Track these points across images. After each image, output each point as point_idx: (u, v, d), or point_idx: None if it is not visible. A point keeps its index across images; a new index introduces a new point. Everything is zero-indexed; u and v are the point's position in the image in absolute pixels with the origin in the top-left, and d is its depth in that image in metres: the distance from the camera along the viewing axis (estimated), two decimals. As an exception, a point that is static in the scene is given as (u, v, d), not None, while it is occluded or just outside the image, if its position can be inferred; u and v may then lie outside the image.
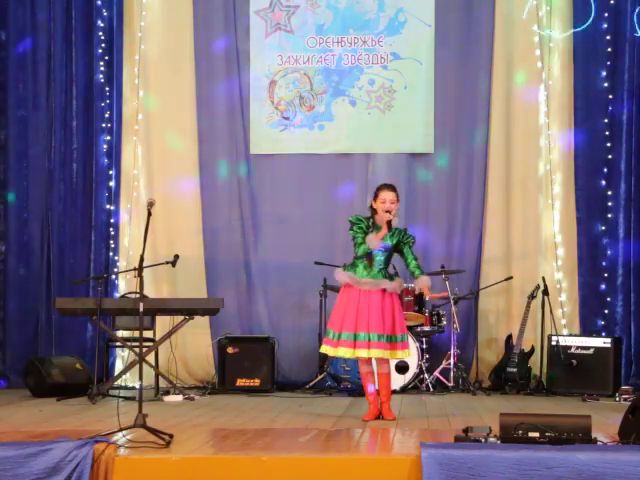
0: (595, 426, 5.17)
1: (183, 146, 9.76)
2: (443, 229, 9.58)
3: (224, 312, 8.71)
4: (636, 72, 9.28)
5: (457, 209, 9.61)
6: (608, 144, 9.36)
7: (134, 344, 8.08)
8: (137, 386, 6.10)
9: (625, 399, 8.03)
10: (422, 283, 6.78)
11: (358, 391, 8.17)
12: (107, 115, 9.70)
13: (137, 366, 6.01)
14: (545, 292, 8.92)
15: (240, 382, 8.86)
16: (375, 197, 6.78)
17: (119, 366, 9.40)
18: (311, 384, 8.87)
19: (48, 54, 9.68)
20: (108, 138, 9.71)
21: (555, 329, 8.85)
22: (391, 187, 6.82)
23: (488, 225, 9.55)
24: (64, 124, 9.70)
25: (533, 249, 9.49)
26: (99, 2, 9.72)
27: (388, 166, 9.59)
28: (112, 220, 9.63)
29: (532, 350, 9.01)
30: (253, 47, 9.76)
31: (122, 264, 9.54)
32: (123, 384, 9.16)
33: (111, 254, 9.61)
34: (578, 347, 8.82)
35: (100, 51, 9.71)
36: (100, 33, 9.71)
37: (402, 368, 8.64)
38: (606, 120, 9.39)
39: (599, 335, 9.04)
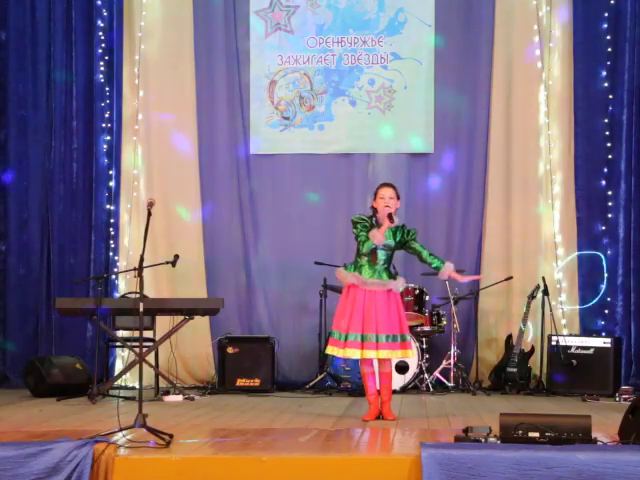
0: (595, 426, 5.17)
1: (183, 146, 9.76)
2: (443, 229, 9.58)
3: (224, 312, 8.71)
4: (636, 72, 9.28)
5: (457, 209, 9.61)
6: (608, 144, 9.36)
7: (134, 344, 8.08)
8: (137, 386, 6.10)
9: (625, 399, 8.03)
10: (449, 270, 6.82)
11: (358, 391, 8.18)
12: (107, 115, 9.70)
13: (137, 366, 6.01)
14: (545, 292, 8.92)
15: (240, 382, 8.86)
16: (375, 196, 6.82)
17: (119, 366, 9.40)
18: (311, 384, 8.87)
19: (48, 54, 9.68)
20: (108, 138, 9.71)
21: (555, 329, 8.85)
22: (389, 185, 6.87)
23: (488, 225, 9.55)
24: (64, 124, 9.70)
25: (533, 249, 9.49)
26: (99, 2, 9.72)
27: (388, 166, 9.60)
28: (112, 220, 9.63)
29: (532, 350, 9.01)
30: (253, 47, 9.76)
31: (122, 264, 9.54)
32: (123, 384, 9.16)
33: (111, 254, 9.61)
34: (578, 347, 8.82)
35: (100, 51, 9.71)
36: (100, 33, 9.71)
37: (402, 368, 8.64)
38: (606, 120, 9.38)
39: (599, 335, 9.04)
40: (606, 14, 9.38)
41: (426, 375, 8.79)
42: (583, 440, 4.96)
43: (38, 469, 4.79)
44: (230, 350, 8.94)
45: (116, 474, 4.80)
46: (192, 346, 9.50)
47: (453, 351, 8.87)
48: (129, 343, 8.41)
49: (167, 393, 8.33)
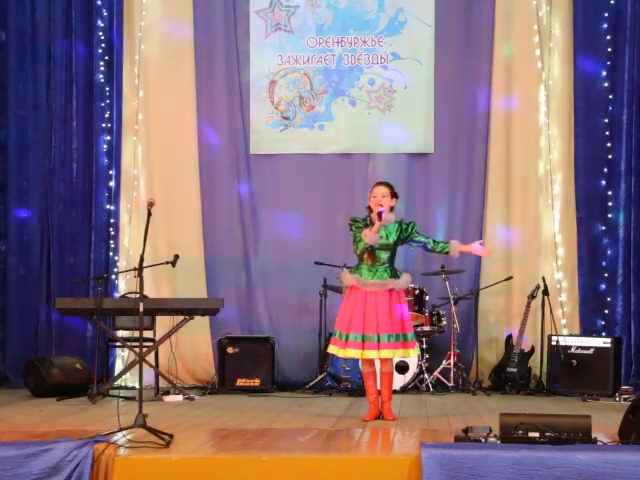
0: (595, 426, 5.17)
1: (183, 146, 9.76)
2: (443, 229, 9.57)
3: (224, 312, 8.72)
4: (636, 72, 9.28)
5: (457, 209, 9.60)
6: (608, 144, 9.36)
7: (134, 344, 8.08)
8: (137, 386, 6.10)
9: (625, 399, 8.03)
10: (456, 249, 6.83)
11: (358, 391, 8.19)
12: (107, 115, 9.70)
13: (137, 366, 6.01)
14: (545, 292, 8.92)
15: (240, 382, 8.86)
16: (369, 195, 6.83)
17: (119, 366, 9.40)
18: (311, 384, 8.87)
19: (48, 54, 9.68)
20: (108, 138, 9.71)
21: (555, 329, 8.85)
22: (383, 183, 6.89)
23: (488, 225, 9.55)
24: (64, 124, 9.70)
25: (533, 249, 9.49)
26: (99, 2, 9.72)
27: (388, 166, 9.60)
28: (112, 220, 9.63)
29: (532, 350, 9.01)
30: (253, 47, 9.76)
31: (122, 264, 9.55)
32: (123, 384, 9.16)
33: (111, 254, 9.61)
34: (578, 347, 8.82)
35: (100, 51, 9.71)
36: (100, 33, 9.71)
37: (402, 368, 8.64)
38: (606, 120, 9.38)
39: (599, 335, 9.04)
40: (606, 14, 9.38)
41: (426, 375, 8.79)
42: (583, 440, 4.96)
43: (38, 469, 4.79)
44: (230, 350, 8.94)
45: (116, 474, 4.80)
46: (192, 346, 9.50)
47: (453, 351, 8.87)
48: (129, 343, 8.41)
49: (167, 393, 8.33)
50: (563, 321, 9.30)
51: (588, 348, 8.80)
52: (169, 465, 4.86)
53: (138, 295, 5.73)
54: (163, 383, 8.67)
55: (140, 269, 5.69)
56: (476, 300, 9.24)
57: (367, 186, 9.19)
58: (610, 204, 9.35)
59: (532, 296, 8.96)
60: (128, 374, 9.02)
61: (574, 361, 8.76)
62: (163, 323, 8.77)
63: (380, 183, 6.90)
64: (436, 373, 8.89)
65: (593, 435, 5.04)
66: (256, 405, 7.74)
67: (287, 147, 9.75)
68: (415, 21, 9.62)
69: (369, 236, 6.67)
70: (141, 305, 5.63)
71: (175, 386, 8.54)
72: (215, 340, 9.33)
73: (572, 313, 9.38)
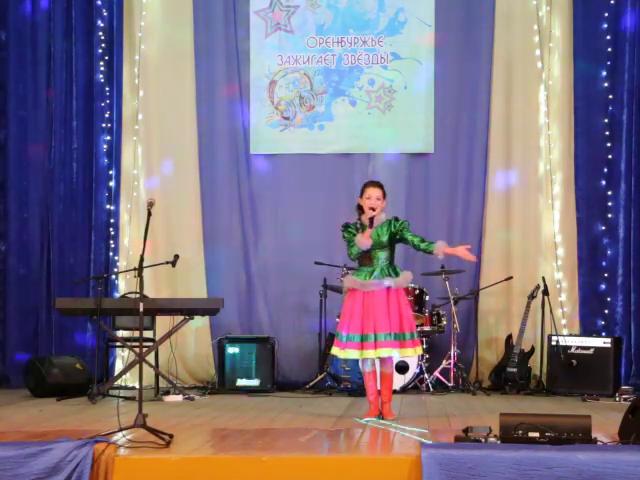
0: (595, 426, 5.17)
1: (183, 146, 9.76)
2: (443, 229, 9.56)
3: (224, 312, 8.71)
4: (636, 72, 9.28)
5: (457, 209, 9.61)
6: (608, 144, 9.36)
7: (134, 344, 8.08)
8: (137, 386, 6.10)
9: (625, 399, 8.03)
10: (441, 249, 6.72)
11: (358, 391, 8.19)
12: (107, 115, 9.70)
13: (137, 366, 6.01)
14: (545, 292, 8.92)
15: (240, 382, 8.87)
16: (361, 194, 6.81)
17: (119, 366, 9.40)
18: (311, 384, 8.87)
19: (48, 54, 9.68)
20: (108, 138, 9.71)
21: (555, 329, 8.85)
22: (377, 184, 6.86)
23: (488, 225, 9.55)
24: (64, 124, 9.70)
25: (533, 249, 9.49)
26: (99, 2, 9.72)
27: (388, 166, 9.60)
28: (112, 220, 9.63)
29: (532, 350, 9.01)
30: (253, 47, 9.76)
31: (122, 264, 9.55)
32: (123, 384, 9.16)
33: (111, 254, 9.61)
34: (578, 347, 8.82)
35: (100, 51, 9.71)
36: (100, 33, 9.71)
37: (402, 368, 8.64)
38: (606, 120, 9.39)
39: (599, 335, 9.04)
40: (606, 14, 9.37)
41: (426, 375, 8.79)
42: (583, 440, 4.96)
43: (38, 469, 4.79)
44: (230, 350, 8.94)
45: (116, 474, 4.80)
46: (192, 346, 9.51)
47: (453, 351, 8.87)
48: (129, 343, 8.40)
49: (167, 393, 8.33)
50: (563, 321, 9.30)
51: (588, 348, 8.80)
52: (169, 465, 4.86)
53: (138, 295, 5.73)
54: (163, 383, 8.67)
55: (140, 269, 5.69)
56: (476, 300, 9.24)
57: (367, 186, 9.24)
58: (610, 204, 9.35)
59: (532, 296, 8.96)
60: (128, 374, 9.02)
61: (574, 361, 8.76)
62: (163, 323, 8.77)
63: (373, 184, 6.86)
64: (436, 373, 8.89)
65: (593, 435, 5.04)
66: (256, 405, 7.74)
67: (287, 147, 9.75)
68: (415, 21, 9.62)
69: (362, 242, 6.68)
70: (141, 305, 5.63)
71: (175, 386, 8.54)
72: (215, 340, 9.33)
73: (572, 313, 9.38)
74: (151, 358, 8.50)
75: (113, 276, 9.48)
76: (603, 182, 9.40)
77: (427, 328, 8.97)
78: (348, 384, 8.62)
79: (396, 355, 6.79)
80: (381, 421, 6.58)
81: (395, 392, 8.47)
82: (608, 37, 9.37)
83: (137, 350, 6.56)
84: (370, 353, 6.67)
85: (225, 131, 9.78)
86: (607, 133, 9.38)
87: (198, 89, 9.74)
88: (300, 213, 9.67)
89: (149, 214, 5.84)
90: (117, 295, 9.47)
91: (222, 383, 8.93)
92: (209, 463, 4.89)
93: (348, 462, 4.90)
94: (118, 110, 9.70)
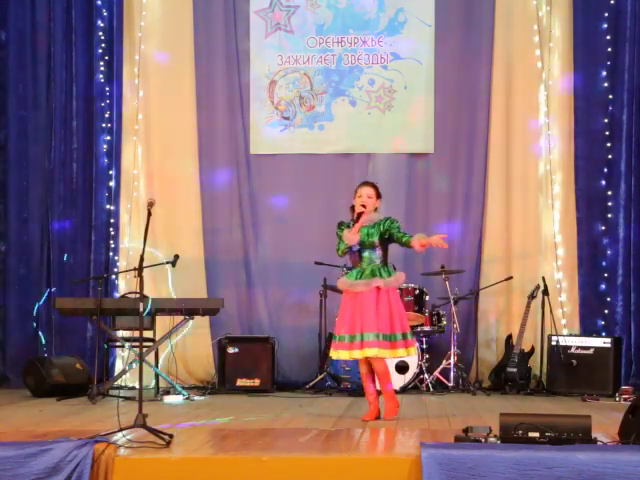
0: (595, 426, 5.17)
1: (183, 146, 9.76)
2: (443, 229, 9.55)
3: (224, 312, 8.72)
4: (636, 72, 9.28)
5: (457, 209, 9.61)
6: (608, 144, 9.36)
7: (134, 344, 8.08)
8: (137, 386, 6.10)
9: (625, 399, 8.03)
10: (417, 241, 6.59)
11: (358, 391, 8.18)
12: (107, 115, 9.70)
13: (137, 366, 6.00)
14: (545, 292, 8.92)
15: (240, 382, 8.86)
16: (354, 194, 6.83)
17: (119, 366, 9.40)
18: (311, 384, 8.87)
19: (48, 54, 9.68)
20: (108, 138, 9.71)
21: (555, 329, 8.85)
22: (369, 183, 6.88)
23: (488, 225, 9.55)
24: (64, 124, 9.70)
25: (533, 249, 9.49)
26: (99, 2, 9.72)
27: (388, 166, 9.60)
28: (112, 220, 9.63)
29: (532, 350, 9.01)
30: (253, 47, 9.76)
31: (122, 264, 9.54)
32: (123, 384, 9.15)
33: (111, 254, 9.61)
34: (578, 347, 8.82)
35: (100, 51, 9.71)
36: (100, 33, 9.71)
37: (402, 368, 8.64)
38: (606, 120, 9.39)
39: (599, 335, 9.04)
40: (606, 14, 9.38)
41: (426, 375, 8.79)
42: (583, 440, 4.96)
43: (38, 469, 4.79)
44: (230, 350, 8.94)
45: (116, 474, 4.80)
46: (192, 346, 9.50)
47: (453, 351, 8.86)
48: (129, 343, 8.41)
49: (167, 393, 8.33)
50: (563, 321, 9.30)
51: (588, 348, 8.80)
52: (169, 465, 4.86)
53: (138, 295, 5.73)
54: (163, 383, 8.66)
55: (140, 269, 5.69)
56: (476, 300, 9.24)
57: (367, 186, 9.25)
58: (610, 204, 9.34)
59: (532, 296, 8.96)
60: (128, 374, 9.01)
61: (574, 361, 8.76)
62: (163, 323, 8.77)
63: (366, 183, 6.89)
64: (436, 373, 8.89)
65: (593, 435, 5.04)
66: (256, 405, 7.74)
67: (287, 147, 9.75)
68: (415, 21, 9.62)
69: (348, 237, 6.68)
70: (141, 305, 5.63)
71: (175, 386, 8.53)
72: (215, 340, 9.33)
73: (572, 313, 9.38)
74: (151, 358, 8.50)
75: (113, 276, 9.48)
76: (603, 182, 9.40)
77: (427, 328, 8.97)
78: (348, 384, 8.62)
79: (386, 355, 6.69)
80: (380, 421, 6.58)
81: (395, 392, 8.47)
82: (608, 37, 9.37)
83: (137, 350, 6.56)
84: (356, 353, 6.66)
85: (225, 131, 9.78)
86: (607, 133, 9.37)
87: (198, 89, 9.74)
88: (300, 213, 9.66)
89: (149, 214, 5.83)
90: (117, 295, 9.47)
91: (222, 383, 8.93)
92: (209, 463, 4.89)
93: (348, 462, 4.90)
94: (118, 110, 9.70)
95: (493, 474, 4.62)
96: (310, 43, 9.73)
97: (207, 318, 9.23)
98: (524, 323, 8.88)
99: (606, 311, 9.32)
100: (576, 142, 9.43)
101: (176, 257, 8.21)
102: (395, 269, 7.02)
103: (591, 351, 8.78)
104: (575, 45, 9.43)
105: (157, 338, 8.71)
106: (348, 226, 6.79)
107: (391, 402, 6.78)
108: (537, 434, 4.98)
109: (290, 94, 9.75)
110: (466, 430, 5.28)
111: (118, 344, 8.94)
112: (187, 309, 8.27)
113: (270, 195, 9.76)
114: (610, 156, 9.36)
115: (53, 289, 9.44)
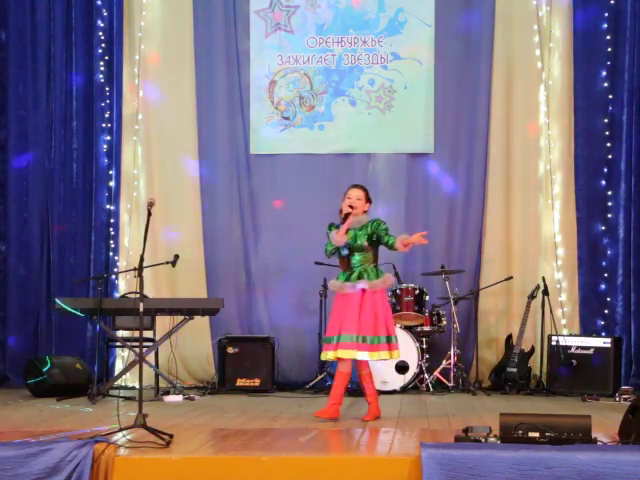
0: (595, 426, 5.17)
1: (183, 146, 9.76)
2: (443, 229, 9.57)
3: (224, 312, 8.72)
4: (636, 72, 9.28)
5: (457, 209, 9.60)
6: (608, 144, 9.37)
7: (134, 344, 8.08)
8: (137, 386, 6.10)
9: (625, 399, 8.03)
10: (400, 241, 6.55)
11: (358, 391, 8.17)
12: (107, 115, 9.71)
13: (137, 366, 6.01)
14: (545, 292, 8.92)
15: (240, 382, 8.86)
16: (344, 197, 6.86)
17: (119, 366, 9.40)
18: (311, 384, 8.88)
19: (48, 54, 9.68)
20: (108, 138, 9.71)
21: (555, 329, 8.85)
22: (358, 186, 6.90)
23: (488, 225, 9.55)
24: (64, 124, 9.71)
25: (533, 249, 9.49)
26: (99, 2, 9.72)
27: (388, 166, 9.61)
28: (112, 220, 9.63)
29: (532, 350, 9.01)
30: (253, 47, 9.77)
31: (122, 264, 9.55)
32: (123, 384, 9.16)
33: (111, 254, 9.61)
34: (578, 347, 8.82)
35: (100, 51, 9.71)
36: (100, 33, 9.71)
37: (402, 368, 8.64)
38: (606, 120, 9.39)
39: (599, 335, 9.04)
40: (606, 14, 9.39)
41: (426, 375, 8.79)
42: (583, 440, 4.96)
43: (38, 469, 4.79)
44: (230, 350, 8.94)
45: (116, 474, 4.80)
46: (192, 346, 9.50)
47: (453, 351, 8.86)
48: (129, 343, 8.41)
49: (167, 393, 8.33)
50: (563, 321, 9.30)
51: (588, 348, 8.80)
52: (169, 465, 4.86)
53: (138, 295, 5.73)
54: (163, 383, 8.66)
55: (140, 269, 5.69)
56: (476, 300, 9.24)
57: (367, 186, 9.21)
58: (610, 204, 9.35)
59: (532, 296, 8.97)
60: (128, 374, 9.02)
61: (574, 361, 8.76)
62: (163, 323, 8.77)
63: (355, 185, 6.92)
64: (436, 373, 8.89)
65: (593, 435, 5.04)
66: (256, 405, 7.74)
67: (287, 147, 9.75)
68: (415, 21, 9.62)
69: (335, 238, 6.70)
70: (141, 305, 5.63)
71: (175, 386, 8.54)
72: (215, 340, 9.33)
73: (572, 313, 9.38)
74: (151, 358, 8.50)
75: (113, 276, 9.48)
76: (603, 182, 9.40)
77: (427, 328, 8.97)
78: (348, 384, 8.61)
79: (362, 357, 6.61)
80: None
81: (395, 392, 8.50)
82: (608, 37, 9.37)
83: (137, 350, 6.56)
84: (329, 354, 6.66)
85: (225, 131, 9.78)
86: (607, 133, 9.38)
87: (198, 89, 9.74)
88: (300, 213, 9.66)
89: (149, 214, 5.84)
90: (117, 295, 9.47)
91: (222, 383, 8.93)
92: (209, 463, 4.90)
93: (348, 462, 4.90)
94: (118, 110, 9.70)
95: (493, 474, 4.62)
96: (310, 43, 9.74)
97: (207, 318, 9.23)
98: (524, 323, 8.88)
99: (606, 311, 9.32)
100: (576, 142, 9.44)
101: (176, 257, 8.21)
102: (382, 272, 6.94)
103: (591, 351, 8.78)
104: (575, 45, 9.43)
105: (157, 338, 8.71)
106: (337, 227, 6.80)
107: (375, 404, 6.77)
108: (537, 434, 4.98)
109: (290, 94, 9.75)
110: (466, 430, 5.28)
111: (118, 344, 8.94)
112: (187, 309, 8.27)
113: (270, 195, 9.75)
114: (610, 156, 9.36)
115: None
